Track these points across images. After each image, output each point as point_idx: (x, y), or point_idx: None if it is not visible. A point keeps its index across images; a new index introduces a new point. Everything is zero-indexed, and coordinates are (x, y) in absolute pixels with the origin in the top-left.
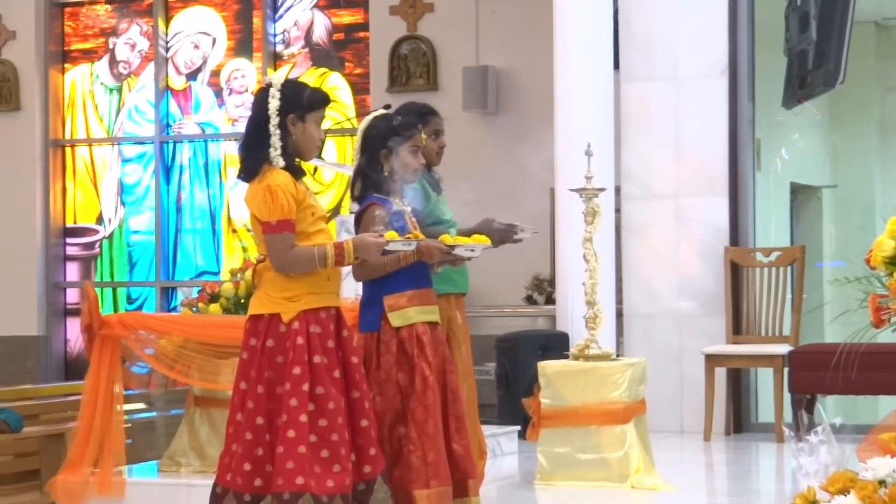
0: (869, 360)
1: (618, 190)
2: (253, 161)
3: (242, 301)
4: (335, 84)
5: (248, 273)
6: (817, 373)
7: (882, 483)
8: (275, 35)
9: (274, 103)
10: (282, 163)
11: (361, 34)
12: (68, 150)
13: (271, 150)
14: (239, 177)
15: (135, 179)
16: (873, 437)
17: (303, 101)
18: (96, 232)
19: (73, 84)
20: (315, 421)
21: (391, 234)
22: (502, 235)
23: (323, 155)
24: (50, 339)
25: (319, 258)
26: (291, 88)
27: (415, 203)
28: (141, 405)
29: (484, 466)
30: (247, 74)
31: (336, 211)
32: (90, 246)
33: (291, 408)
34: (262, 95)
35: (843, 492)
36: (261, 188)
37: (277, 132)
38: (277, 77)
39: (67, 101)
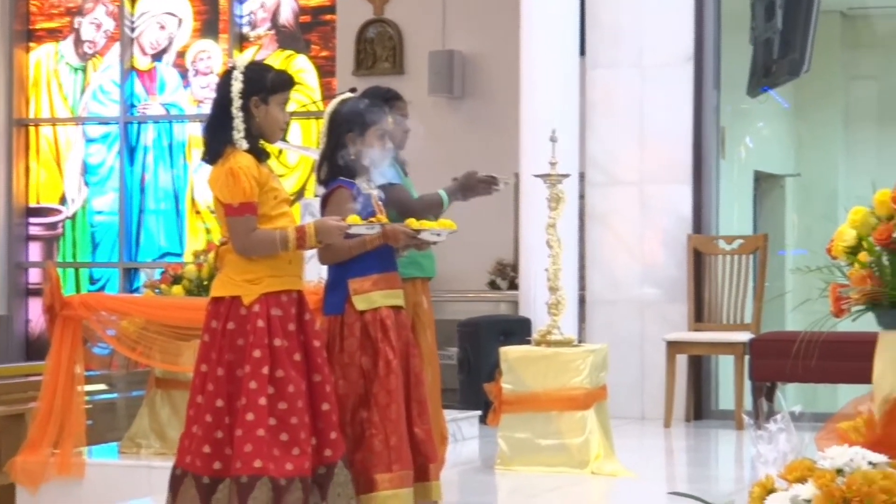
0: (829, 348)
1: (582, 176)
2: (216, 143)
3: (205, 283)
4: (301, 67)
5: (211, 255)
6: (778, 361)
7: (840, 472)
8: (241, 17)
9: (237, 86)
10: (245, 145)
11: (328, 17)
12: (32, 129)
13: (234, 132)
14: (203, 159)
15: (99, 160)
16: (832, 426)
17: (266, 84)
18: (59, 212)
19: (38, 63)
20: (275, 404)
21: (353, 218)
22: (484, 188)
23: (288, 137)
24: (11, 319)
25: (281, 241)
26: (255, 71)
27: (393, 178)
28: (102, 386)
29: (445, 452)
30: (213, 56)
31: (300, 194)
32: (53, 226)
33: (251, 391)
34: (225, 78)
35: (801, 480)
36: (223, 170)
37: (240, 114)
38: (241, 60)
39: (32, 81)
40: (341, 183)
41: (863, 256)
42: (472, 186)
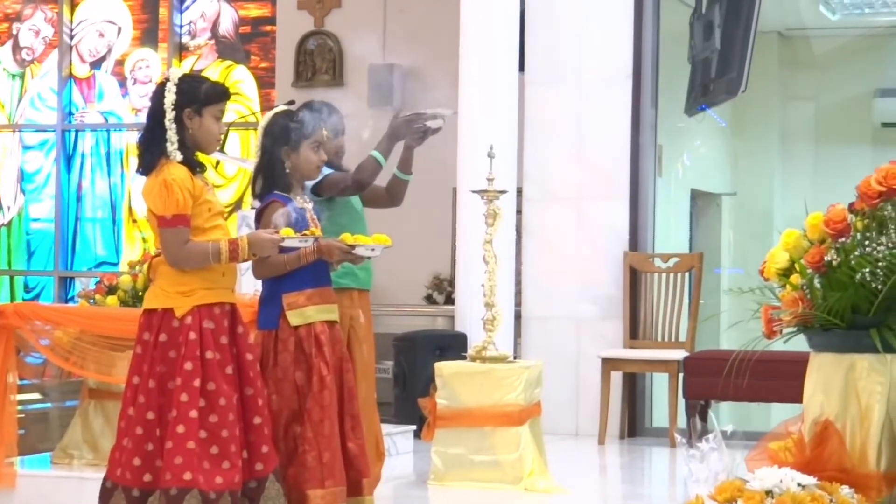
0: (762, 367)
1: (519, 192)
2: (150, 155)
3: (140, 294)
4: (240, 77)
5: (146, 266)
6: (711, 379)
7: (769, 493)
8: (181, 26)
9: (170, 97)
10: (179, 157)
11: (268, 28)
12: None
13: (168, 144)
14: (137, 170)
15: (35, 167)
16: (763, 446)
17: (200, 95)
18: None
19: None
20: (205, 417)
21: (287, 231)
22: (413, 131)
23: (225, 149)
24: None
25: (213, 254)
26: (189, 83)
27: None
28: (35, 395)
29: (381, 468)
30: (151, 65)
31: (238, 205)
32: None
33: (182, 403)
34: (159, 89)
35: (731, 500)
36: (157, 182)
37: (173, 126)
38: (176, 71)
39: None
40: (275, 197)
41: (795, 279)
42: (399, 133)
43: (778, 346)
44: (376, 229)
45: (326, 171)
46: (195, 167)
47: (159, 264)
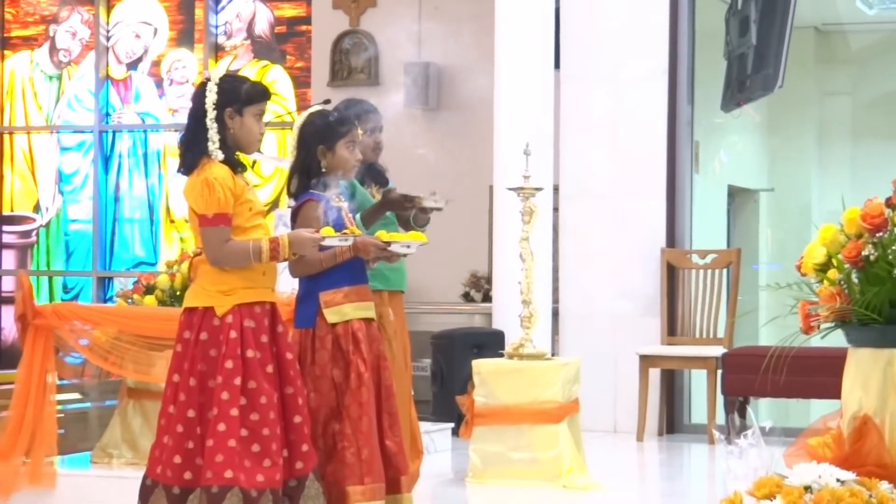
0: (800, 363)
1: (556, 189)
2: (192, 154)
3: (178, 293)
4: (276, 77)
5: (185, 265)
6: (749, 375)
7: (808, 489)
8: (217, 26)
9: (211, 97)
10: (220, 156)
11: (304, 27)
12: (7, 137)
13: (209, 143)
14: (179, 170)
15: (73, 168)
16: (802, 442)
17: (241, 95)
18: (33, 220)
19: (13, 71)
20: (246, 415)
21: (327, 230)
22: (403, 206)
23: (263, 148)
24: None
25: (254, 253)
26: (230, 82)
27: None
28: (74, 395)
29: (420, 465)
30: (188, 65)
31: (275, 204)
32: (27, 234)
33: (223, 401)
34: (200, 89)
35: (770, 497)
36: (199, 181)
37: (215, 126)
38: (217, 71)
39: (7, 89)
40: (311, 196)
41: (832, 274)
42: (389, 208)
43: (816, 341)
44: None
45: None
46: (236, 166)
47: (200, 263)
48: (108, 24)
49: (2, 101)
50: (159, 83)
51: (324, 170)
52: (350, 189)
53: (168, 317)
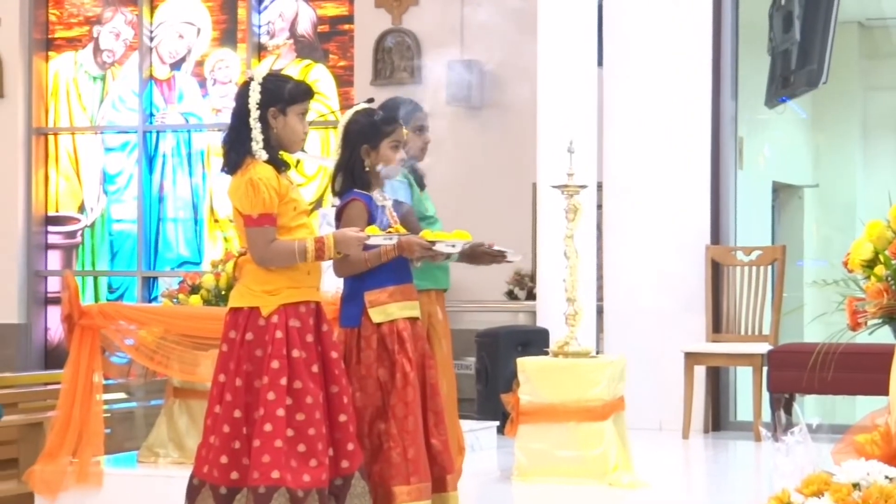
0: (846, 360)
1: (599, 187)
2: (236, 154)
3: (223, 293)
4: (319, 76)
5: (229, 265)
6: (795, 372)
7: (856, 486)
8: (259, 26)
9: (254, 96)
10: (264, 156)
11: (346, 26)
12: (51, 138)
13: (253, 143)
14: (223, 170)
15: (117, 169)
16: (849, 439)
17: (284, 95)
18: (78, 221)
19: (57, 72)
20: (292, 415)
21: (372, 229)
22: (489, 259)
23: (306, 147)
24: (30, 328)
25: (299, 252)
26: (273, 82)
27: (401, 197)
28: (120, 395)
29: (462, 462)
30: (231, 65)
31: (318, 204)
32: (72, 235)
33: (269, 401)
34: (243, 89)
35: (818, 494)
36: (243, 181)
37: (258, 125)
38: (260, 70)
39: (51, 90)
40: (356, 195)
41: (879, 270)
42: (476, 255)
43: (863, 338)
44: (457, 225)
45: (406, 196)
46: (280, 166)
47: (245, 263)
48: (151, 24)
49: (46, 102)
50: (202, 83)
51: (368, 168)
52: (406, 186)
53: (213, 316)
